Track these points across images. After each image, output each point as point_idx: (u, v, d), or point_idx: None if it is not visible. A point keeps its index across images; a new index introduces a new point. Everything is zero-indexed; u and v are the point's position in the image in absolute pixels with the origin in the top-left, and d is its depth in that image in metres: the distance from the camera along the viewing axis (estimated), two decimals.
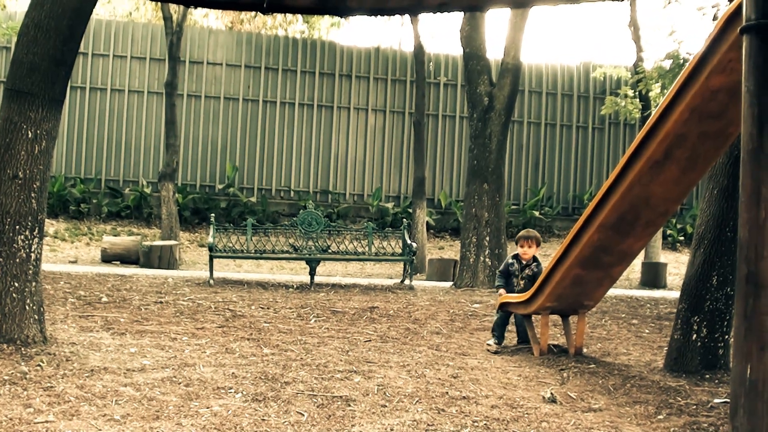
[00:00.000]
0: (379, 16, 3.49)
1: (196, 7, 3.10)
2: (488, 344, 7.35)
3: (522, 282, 7.46)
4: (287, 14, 20.88)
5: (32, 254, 6.02)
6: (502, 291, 7.44)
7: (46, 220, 16.29)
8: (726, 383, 5.84)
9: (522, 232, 7.73)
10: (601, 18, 46.28)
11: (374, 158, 21.14)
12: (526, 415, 4.82)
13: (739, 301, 3.02)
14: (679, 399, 5.42)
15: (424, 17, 19.15)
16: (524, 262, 7.51)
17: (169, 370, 5.54)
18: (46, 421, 4.24)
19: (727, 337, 6.25)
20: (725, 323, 6.25)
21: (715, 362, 6.26)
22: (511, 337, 8.03)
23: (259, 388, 5.13)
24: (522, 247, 7.48)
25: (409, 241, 12.45)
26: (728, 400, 3.36)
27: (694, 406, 5.23)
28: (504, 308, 7.40)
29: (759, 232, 2.95)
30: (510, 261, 7.61)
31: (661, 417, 4.98)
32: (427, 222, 18.69)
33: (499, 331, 7.42)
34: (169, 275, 11.98)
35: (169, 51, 17.05)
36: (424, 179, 16.71)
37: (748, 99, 3.03)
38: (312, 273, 11.87)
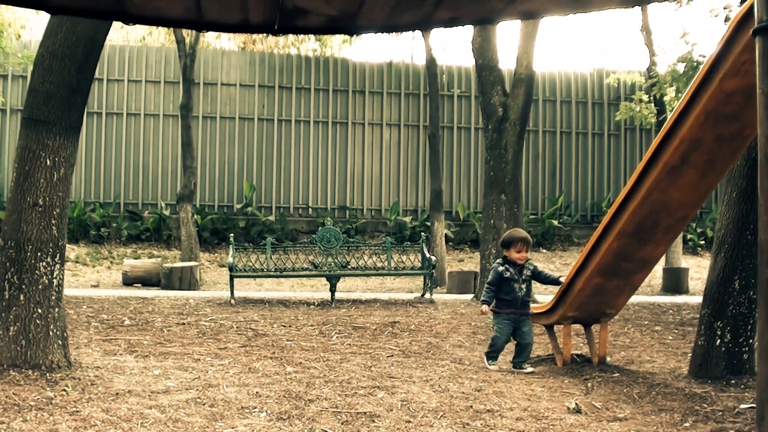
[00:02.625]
0: (390, 32, 3.50)
1: (207, 31, 3.13)
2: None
3: (524, 286, 6.91)
4: (298, 34, 21.01)
5: (54, 280, 6.08)
6: (485, 307, 6.85)
7: (67, 245, 16.43)
8: (752, 388, 5.79)
9: (514, 233, 7.15)
10: (613, 24, 46.21)
11: (390, 173, 21.16)
12: (551, 427, 4.79)
13: (762, 304, 2.99)
14: (705, 405, 5.37)
15: (435, 31, 19.19)
16: (519, 265, 6.95)
17: (194, 391, 5.56)
18: None
19: (751, 341, 6.18)
20: (749, 327, 6.19)
21: (740, 367, 6.20)
22: (540, 350, 8.01)
23: (283, 407, 5.13)
24: (519, 252, 6.89)
25: (428, 255, 12.45)
26: (754, 405, 3.32)
27: (721, 413, 5.18)
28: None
29: None
30: (500, 269, 6.92)
31: (687, 424, 4.94)
32: (446, 234, 18.67)
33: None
34: (190, 296, 12.03)
35: (183, 74, 17.18)
36: (441, 192, 16.68)
37: (763, 101, 3.01)
38: (332, 289, 11.89)
